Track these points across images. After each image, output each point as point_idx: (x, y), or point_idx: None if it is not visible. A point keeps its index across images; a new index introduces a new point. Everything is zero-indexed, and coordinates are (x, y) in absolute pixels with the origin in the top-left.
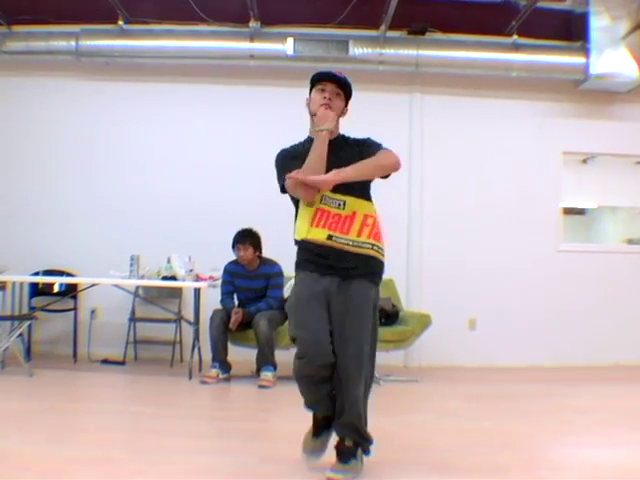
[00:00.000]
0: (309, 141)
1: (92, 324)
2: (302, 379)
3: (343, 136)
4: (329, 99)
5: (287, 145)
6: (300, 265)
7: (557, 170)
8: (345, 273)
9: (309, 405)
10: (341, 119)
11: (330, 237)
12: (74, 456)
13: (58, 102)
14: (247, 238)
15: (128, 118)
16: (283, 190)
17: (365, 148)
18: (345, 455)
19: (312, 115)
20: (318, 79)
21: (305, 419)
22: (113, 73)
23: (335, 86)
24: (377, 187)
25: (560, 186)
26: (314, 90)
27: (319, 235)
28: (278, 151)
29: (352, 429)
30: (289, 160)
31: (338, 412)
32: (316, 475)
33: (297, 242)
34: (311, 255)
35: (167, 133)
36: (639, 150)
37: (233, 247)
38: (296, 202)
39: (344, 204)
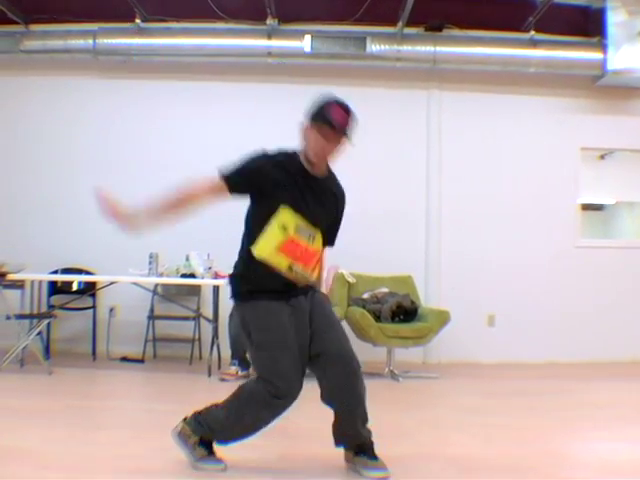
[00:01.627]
0: (292, 158)
1: (111, 322)
2: (267, 414)
3: (334, 176)
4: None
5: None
6: (257, 294)
7: (575, 166)
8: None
9: (242, 437)
10: (359, 117)
11: (290, 268)
12: (94, 454)
13: (76, 101)
14: None
15: (146, 116)
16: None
17: (340, 205)
18: (373, 450)
19: (307, 151)
20: (325, 123)
21: (324, 416)
22: (130, 71)
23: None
24: (396, 185)
25: (578, 182)
26: (313, 128)
27: (281, 264)
28: (260, 151)
29: (366, 424)
30: (270, 165)
31: (348, 414)
32: (334, 471)
33: (252, 258)
34: (267, 279)
35: (185, 131)
36: None
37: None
38: (260, 213)
39: (314, 238)
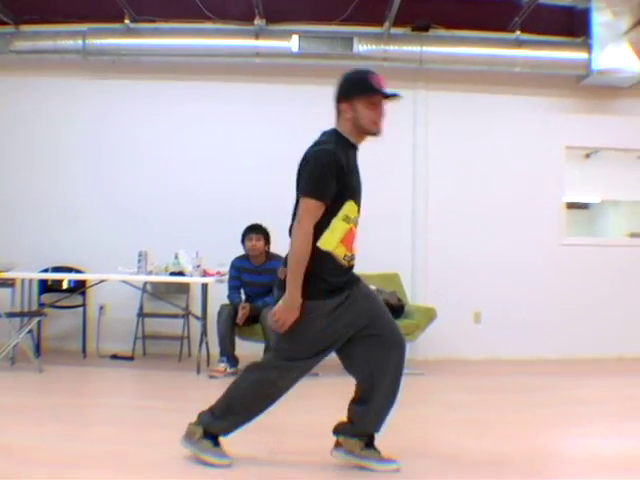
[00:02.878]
0: (347, 145)
1: (101, 320)
2: (281, 389)
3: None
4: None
5: (293, 142)
6: (317, 290)
7: (560, 165)
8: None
9: (252, 417)
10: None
11: (345, 257)
12: (83, 450)
13: (66, 100)
14: (260, 230)
15: (135, 116)
16: (322, 198)
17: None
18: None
19: (360, 126)
20: (370, 92)
21: (311, 411)
22: (120, 71)
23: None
24: (383, 183)
25: (563, 180)
26: (365, 101)
27: (341, 254)
28: (321, 151)
29: None
30: (339, 170)
31: (385, 398)
32: (323, 466)
33: (319, 252)
34: (331, 277)
35: (173, 130)
36: None
37: (243, 240)
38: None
39: (358, 221)
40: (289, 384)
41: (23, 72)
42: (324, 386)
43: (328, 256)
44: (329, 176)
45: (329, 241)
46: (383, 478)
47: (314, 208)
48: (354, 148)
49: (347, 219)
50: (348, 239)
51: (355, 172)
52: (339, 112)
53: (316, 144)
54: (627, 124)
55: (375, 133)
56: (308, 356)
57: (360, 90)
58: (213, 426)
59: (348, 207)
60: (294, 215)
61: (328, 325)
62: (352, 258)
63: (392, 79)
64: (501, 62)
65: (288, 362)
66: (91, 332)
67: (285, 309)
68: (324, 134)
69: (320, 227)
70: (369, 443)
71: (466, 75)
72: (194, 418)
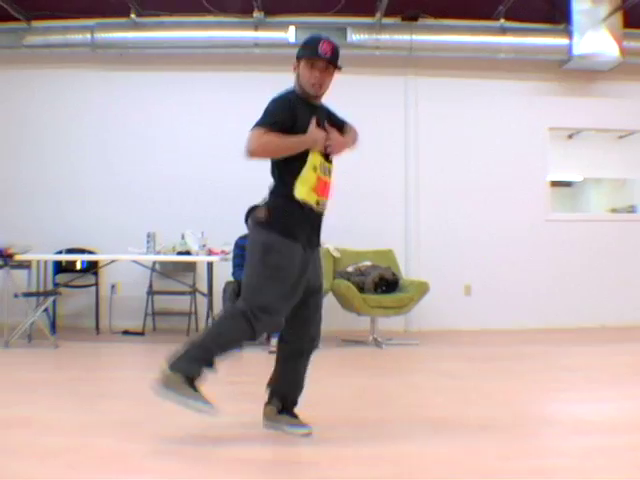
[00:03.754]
0: (295, 96)
1: (112, 298)
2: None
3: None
4: (320, 82)
5: None
6: (286, 229)
7: (544, 145)
8: (314, 244)
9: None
10: (338, 96)
11: (317, 202)
12: (97, 420)
13: (76, 91)
14: None
15: (142, 105)
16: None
17: (335, 119)
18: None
19: (301, 84)
20: (309, 54)
21: (312, 380)
22: (127, 63)
23: (325, 62)
24: (376, 164)
25: (547, 160)
26: (304, 61)
27: (312, 200)
28: (281, 94)
29: None
30: (286, 110)
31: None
32: (325, 433)
33: (290, 200)
34: (299, 222)
35: (178, 117)
36: (621, 125)
37: (246, 221)
38: (293, 160)
39: (330, 171)
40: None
41: (35, 65)
42: (325, 358)
43: (303, 203)
44: (278, 111)
45: (302, 190)
46: (379, 446)
47: (257, 134)
48: (310, 105)
49: (314, 168)
50: (319, 186)
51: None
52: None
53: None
54: (607, 106)
55: (311, 93)
56: (282, 297)
57: (304, 52)
58: (191, 368)
59: (313, 157)
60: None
61: (300, 271)
62: (324, 203)
63: (384, 66)
64: (487, 49)
65: (260, 312)
66: (104, 310)
67: (308, 140)
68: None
69: (293, 177)
70: (284, 409)
71: (454, 62)
72: (205, 388)
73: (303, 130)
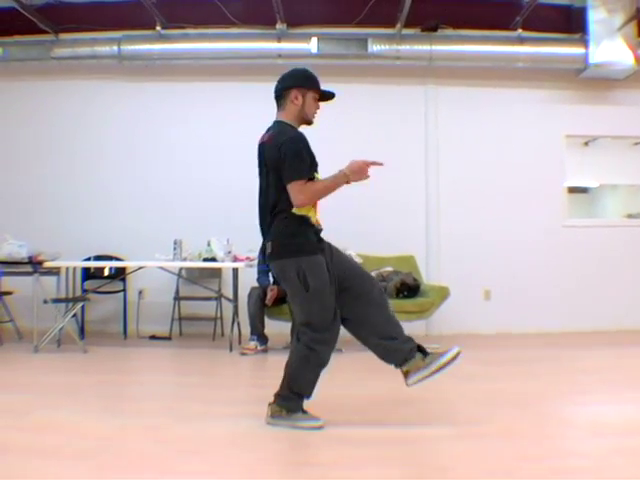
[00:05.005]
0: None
1: (140, 304)
2: (324, 363)
3: None
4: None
5: (314, 135)
6: (310, 248)
7: (561, 152)
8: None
9: (311, 389)
10: (362, 112)
11: (316, 220)
12: (125, 424)
13: (103, 102)
14: None
15: (168, 115)
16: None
17: None
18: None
19: (303, 115)
20: (319, 87)
21: (334, 385)
22: (152, 74)
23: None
24: (396, 173)
25: (564, 167)
26: (313, 93)
27: (313, 216)
28: (299, 135)
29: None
30: (309, 149)
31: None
32: (346, 439)
33: (295, 216)
34: (314, 235)
35: (204, 128)
36: (636, 132)
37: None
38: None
39: None
40: (329, 350)
41: (63, 77)
42: (348, 362)
43: (303, 218)
44: (305, 154)
45: (305, 208)
46: (399, 447)
47: (298, 188)
48: None
49: None
50: (316, 205)
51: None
52: (286, 99)
53: (282, 134)
54: (622, 113)
55: (310, 123)
56: (330, 317)
57: (313, 84)
58: (290, 404)
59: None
60: (267, 189)
61: (330, 277)
62: (320, 225)
63: (404, 76)
64: (504, 58)
65: (318, 333)
66: (131, 315)
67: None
68: (275, 127)
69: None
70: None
71: (472, 71)
72: (231, 392)
73: (312, 160)
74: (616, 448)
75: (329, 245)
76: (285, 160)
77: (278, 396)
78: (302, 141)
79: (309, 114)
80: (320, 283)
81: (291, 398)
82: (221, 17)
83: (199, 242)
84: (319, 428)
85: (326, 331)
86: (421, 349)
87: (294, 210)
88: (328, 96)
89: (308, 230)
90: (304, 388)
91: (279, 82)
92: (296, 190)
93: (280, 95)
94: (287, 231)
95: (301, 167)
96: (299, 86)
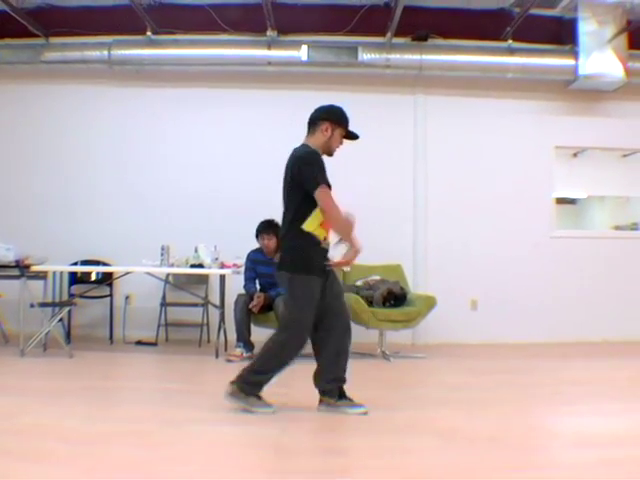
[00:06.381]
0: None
1: (126, 309)
2: (293, 357)
3: None
4: None
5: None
6: (313, 269)
7: (550, 163)
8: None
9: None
10: (351, 120)
11: (325, 238)
12: (110, 429)
13: (92, 107)
14: (270, 228)
15: (157, 120)
16: (314, 186)
17: None
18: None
19: (328, 146)
20: (347, 127)
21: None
22: (142, 80)
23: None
24: (384, 182)
25: (553, 178)
26: (339, 131)
27: (321, 236)
28: (313, 151)
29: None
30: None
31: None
32: (332, 448)
33: (304, 232)
34: (318, 257)
35: (192, 134)
36: (625, 144)
37: (257, 236)
38: (309, 200)
39: None
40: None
41: (53, 81)
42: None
43: (312, 236)
44: (323, 165)
45: (311, 224)
46: (386, 458)
47: (325, 192)
48: None
49: (322, 210)
50: (325, 224)
51: None
52: (317, 128)
53: (302, 152)
54: (611, 125)
55: (332, 155)
56: (307, 329)
57: (344, 123)
58: (249, 388)
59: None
60: (287, 205)
61: (320, 299)
62: (327, 244)
63: (394, 85)
64: (494, 68)
65: (293, 337)
66: (118, 320)
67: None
68: (300, 149)
69: (305, 214)
70: (342, 395)
71: (462, 81)
72: (217, 398)
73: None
74: (600, 459)
75: (331, 272)
76: (304, 171)
77: (240, 377)
78: (319, 157)
79: (333, 146)
80: (308, 301)
81: (251, 382)
82: (212, 23)
83: (186, 248)
84: (271, 414)
85: (299, 338)
86: (341, 393)
87: (303, 226)
88: (353, 136)
89: (317, 252)
90: (265, 379)
91: (316, 111)
92: (323, 193)
93: (314, 122)
94: (298, 248)
95: (323, 174)
96: (332, 120)
